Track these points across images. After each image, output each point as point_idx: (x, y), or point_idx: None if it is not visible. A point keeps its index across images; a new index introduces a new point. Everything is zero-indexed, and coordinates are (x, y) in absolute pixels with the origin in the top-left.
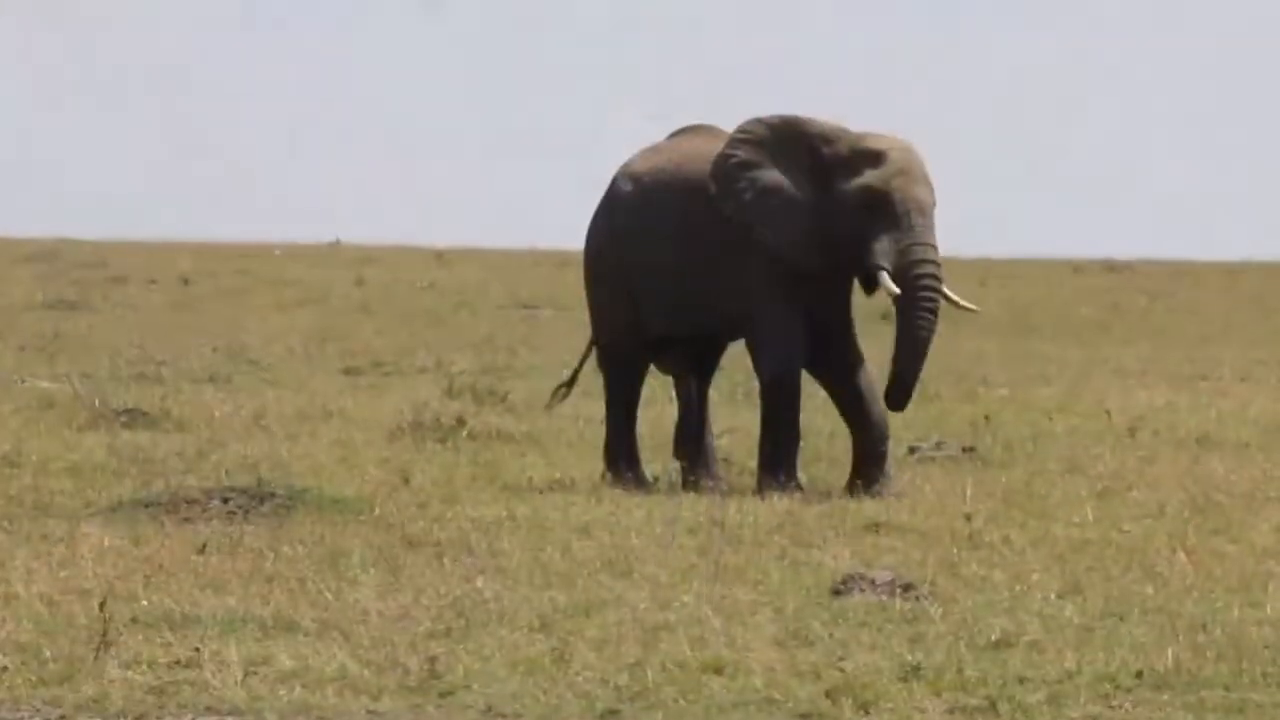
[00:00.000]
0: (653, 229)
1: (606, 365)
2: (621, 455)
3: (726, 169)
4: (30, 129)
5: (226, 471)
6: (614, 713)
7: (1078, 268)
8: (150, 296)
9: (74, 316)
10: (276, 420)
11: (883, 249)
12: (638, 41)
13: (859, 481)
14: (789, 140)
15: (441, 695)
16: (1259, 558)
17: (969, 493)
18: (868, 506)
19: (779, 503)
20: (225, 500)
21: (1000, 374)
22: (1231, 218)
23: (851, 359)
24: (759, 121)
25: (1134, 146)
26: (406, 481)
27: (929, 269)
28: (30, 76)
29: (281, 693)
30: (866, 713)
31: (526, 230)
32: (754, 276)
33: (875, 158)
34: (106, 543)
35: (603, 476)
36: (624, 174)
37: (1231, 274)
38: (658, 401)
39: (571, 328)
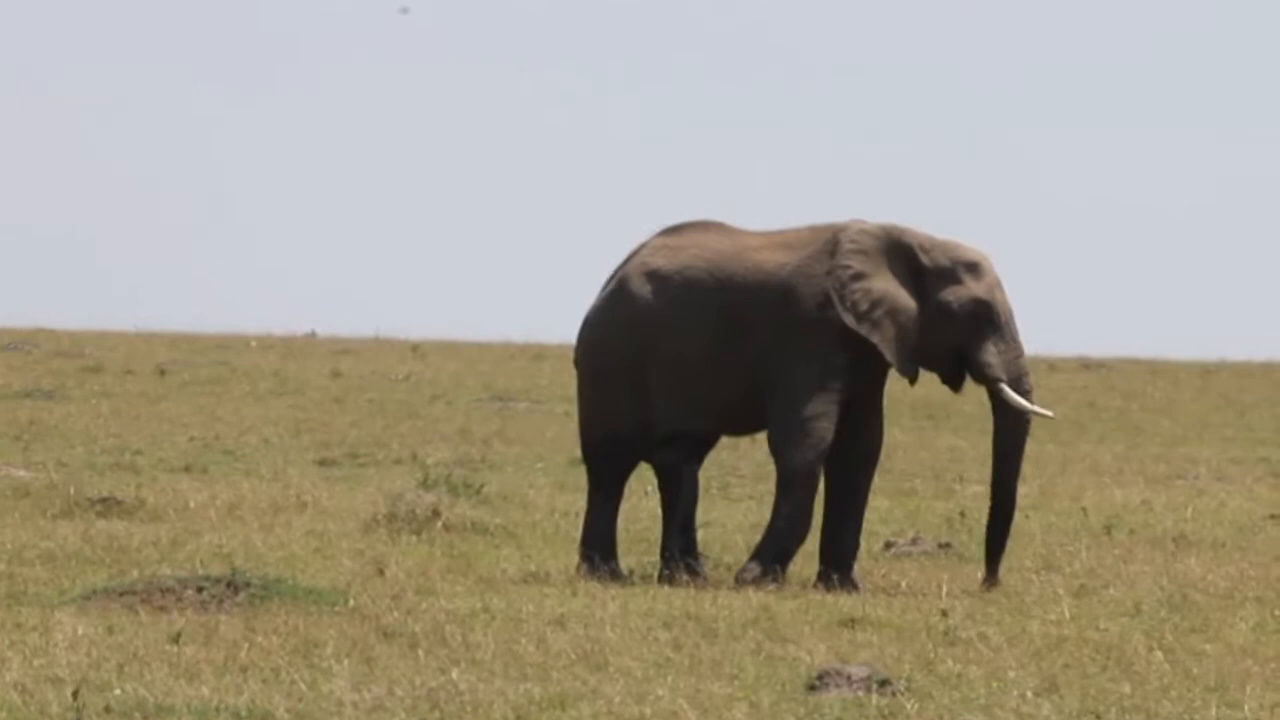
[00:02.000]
0: (684, 327)
1: (598, 458)
2: (598, 547)
3: (843, 280)
4: (7, 217)
5: (201, 561)
6: None
7: (1054, 365)
8: (126, 385)
9: (50, 405)
10: (251, 510)
11: (993, 360)
12: (617, 140)
13: (833, 575)
14: (894, 249)
15: None
16: (1236, 657)
17: (945, 589)
18: (844, 601)
19: (754, 596)
20: (199, 590)
21: (976, 470)
22: (1206, 317)
23: (872, 449)
24: (864, 232)
25: (1110, 245)
26: (381, 573)
27: (1029, 383)
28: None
29: None
30: None
31: (502, 323)
32: (801, 367)
33: (973, 268)
34: (80, 631)
35: (578, 569)
36: (641, 271)
37: (1206, 373)
38: (631, 494)
39: (547, 420)
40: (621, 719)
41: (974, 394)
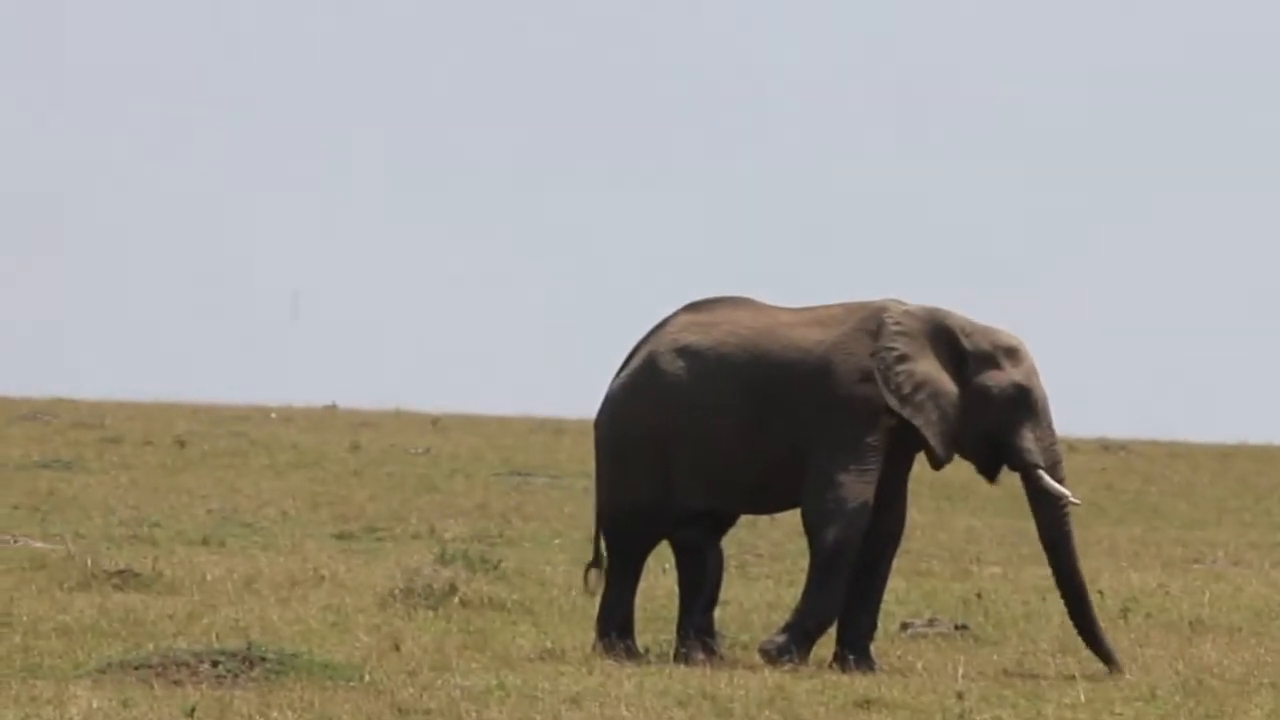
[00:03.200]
0: (717, 405)
1: (619, 536)
2: (615, 625)
3: (888, 362)
4: (27, 287)
5: (217, 635)
6: None
7: (1073, 446)
8: (145, 457)
9: (68, 476)
10: (268, 584)
11: (1031, 445)
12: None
13: (849, 655)
14: (937, 332)
15: None
16: None
17: (960, 671)
18: (859, 682)
19: (770, 676)
20: (215, 664)
21: (993, 552)
22: (1226, 400)
23: (895, 529)
24: (908, 314)
25: (1131, 326)
26: (397, 648)
27: (1064, 469)
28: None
29: None
30: None
31: (522, 398)
32: (839, 446)
33: (1012, 353)
34: (95, 705)
35: (594, 647)
36: (670, 348)
37: (1225, 456)
38: (648, 572)
39: (565, 495)
40: None
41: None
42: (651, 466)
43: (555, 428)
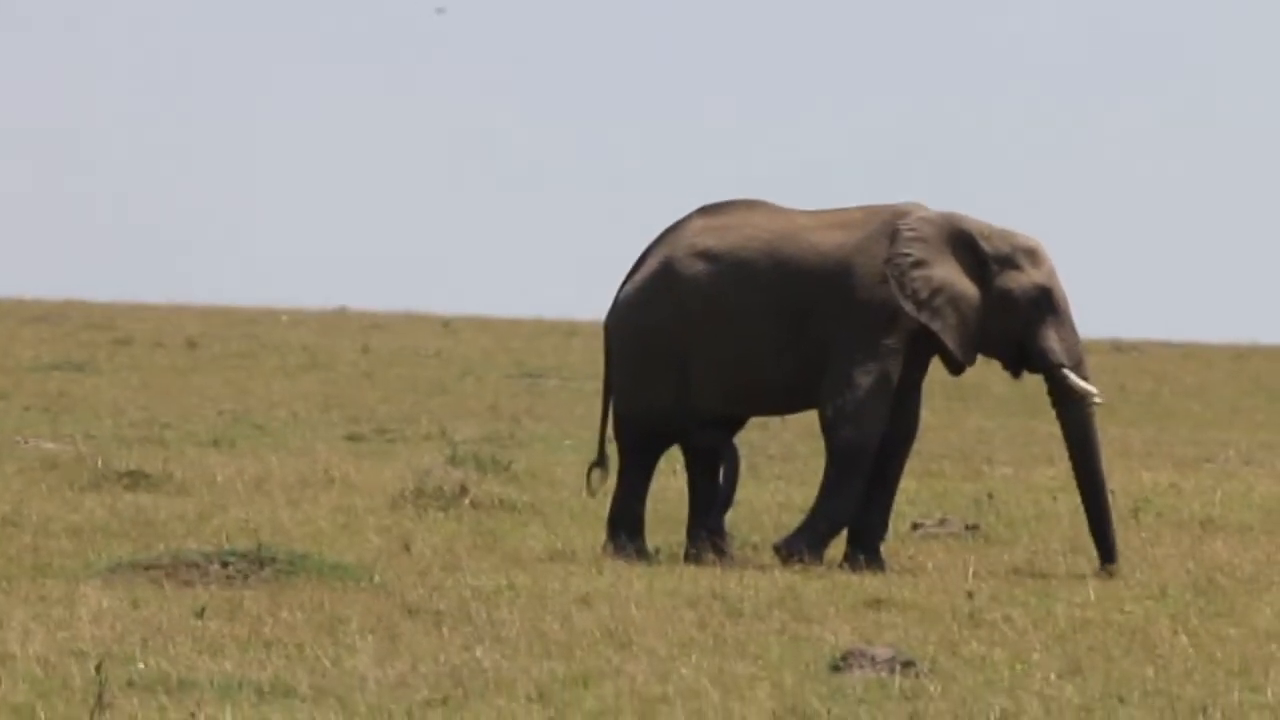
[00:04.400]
0: (738, 309)
1: (631, 438)
2: (625, 526)
3: (903, 268)
4: (40, 191)
5: (227, 536)
6: None
7: (1085, 347)
8: (156, 358)
9: (79, 378)
10: (278, 485)
11: (1055, 345)
12: (646, 116)
13: (859, 556)
14: (954, 237)
15: None
16: (1261, 641)
17: (971, 570)
18: (869, 582)
19: (780, 576)
20: (225, 564)
21: (1004, 453)
22: (1240, 300)
23: (908, 430)
24: (925, 220)
25: (1143, 227)
26: (407, 549)
27: (1088, 367)
28: (41, 138)
29: None
30: None
31: (533, 299)
32: (858, 349)
33: (1032, 254)
34: (105, 604)
35: (604, 547)
36: (688, 252)
37: (1239, 356)
38: (658, 473)
39: (576, 397)
40: (645, 698)
41: (1002, 375)
42: (667, 370)
43: (566, 329)
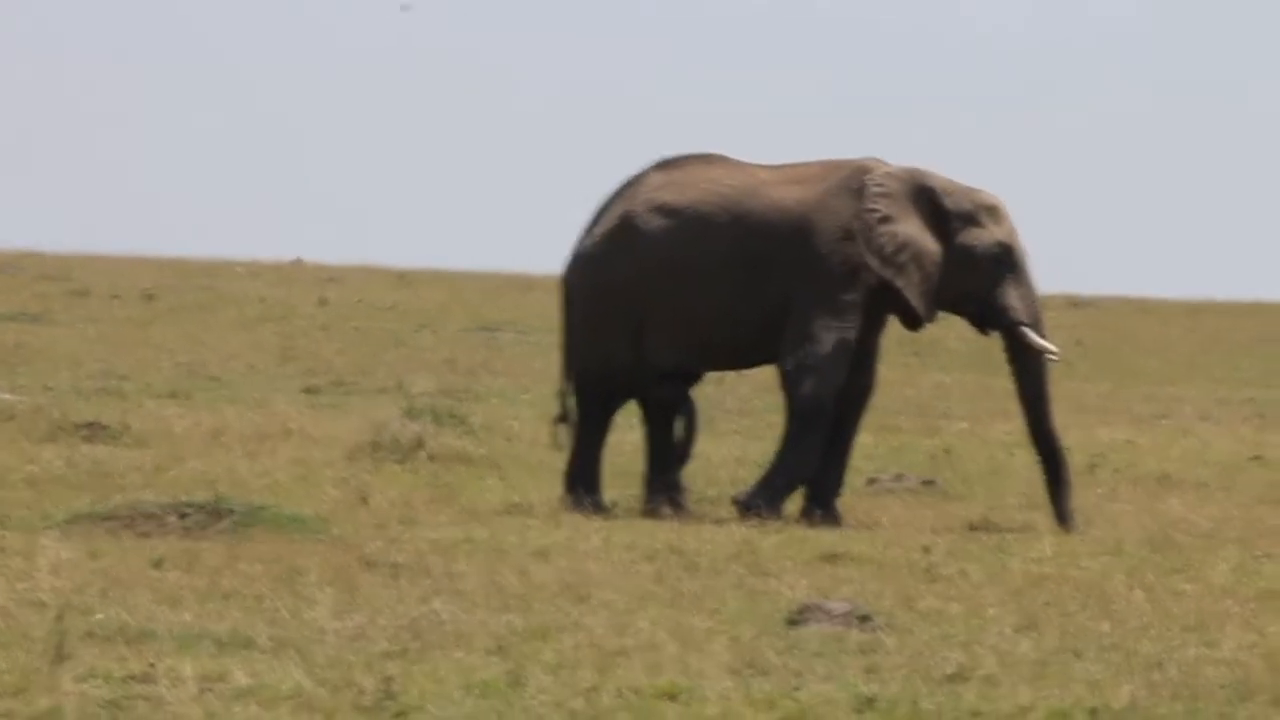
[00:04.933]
0: (697, 264)
1: (590, 393)
2: (582, 480)
3: (870, 224)
4: None
5: (185, 487)
6: None
7: (1042, 303)
8: (113, 310)
9: (36, 329)
10: (236, 437)
11: (1015, 303)
12: (603, 69)
13: (816, 510)
14: (918, 193)
15: (396, 716)
16: (1216, 597)
17: (928, 525)
18: (825, 537)
19: (737, 530)
20: (183, 516)
21: (961, 407)
22: (1196, 256)
23: (865, 386)
24: (890, 175)
25: (1100, 183)
26: (364, 501)
27: (1045, 325)
28: None
29: (236, 710)
30: None
31: (490, 252)
32: (818, 305)
33: (993, 211)
34: (63, 556)
35: (561, 501)
36: (647, 207)
37: (1196, 312)
38: (615, 427)
39: (533, 351)
40: (602, 651)
41: (959, 331)
42: (626, 325)
43: (523, 283)
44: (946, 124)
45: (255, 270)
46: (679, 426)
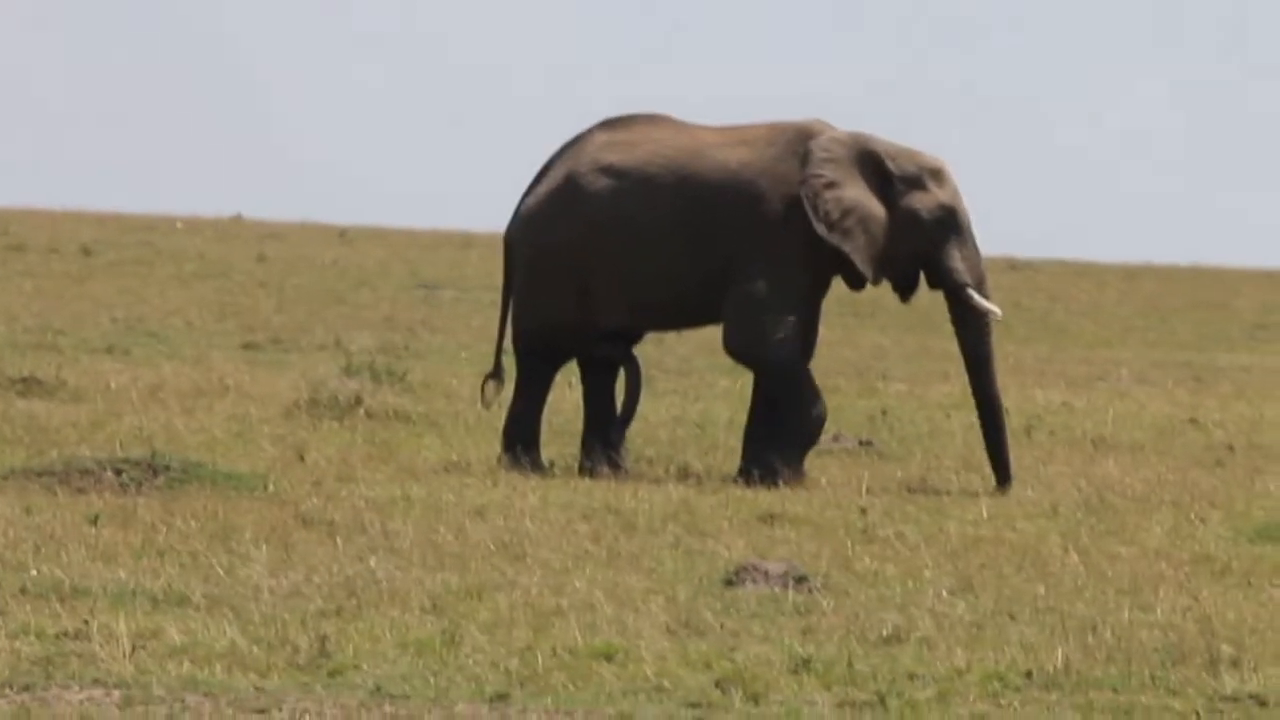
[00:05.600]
0: (642, 226)
1: (528, 351)
2: (521, 439)
3: (816, 189)
4: None
5: (121, 443)
6: (503, 696)
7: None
8: (50, 265)
9: None
10: (173, 393)
11: (959, 265)
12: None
13: (753, 471)
14: (863, 157)
15: (331, 674)
16: (1150, 559)
17: (865, 486)
18: (763, 497)
19: (674, 490)
20: (118, 472)
21: (899, 369)
22: (1134, 220)
23: (806, 347)
24: (835, 140)
25: (1040, 146)
26: (301, 459)
27: (989, 286)
28: None
29: (170, 667)
30: (756, 704)
31: (430, 210)
32: (767, 270)
33: (937, 174)
34: None
35: (499, 460)
36: (592, 167)
37: (1131, 276)
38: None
39: (472, 309)
40: (538, 610)
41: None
42: (569, 285)
43: (463, 241)
44: (884, 87)
45: (195, 226)
46: (628, 384)
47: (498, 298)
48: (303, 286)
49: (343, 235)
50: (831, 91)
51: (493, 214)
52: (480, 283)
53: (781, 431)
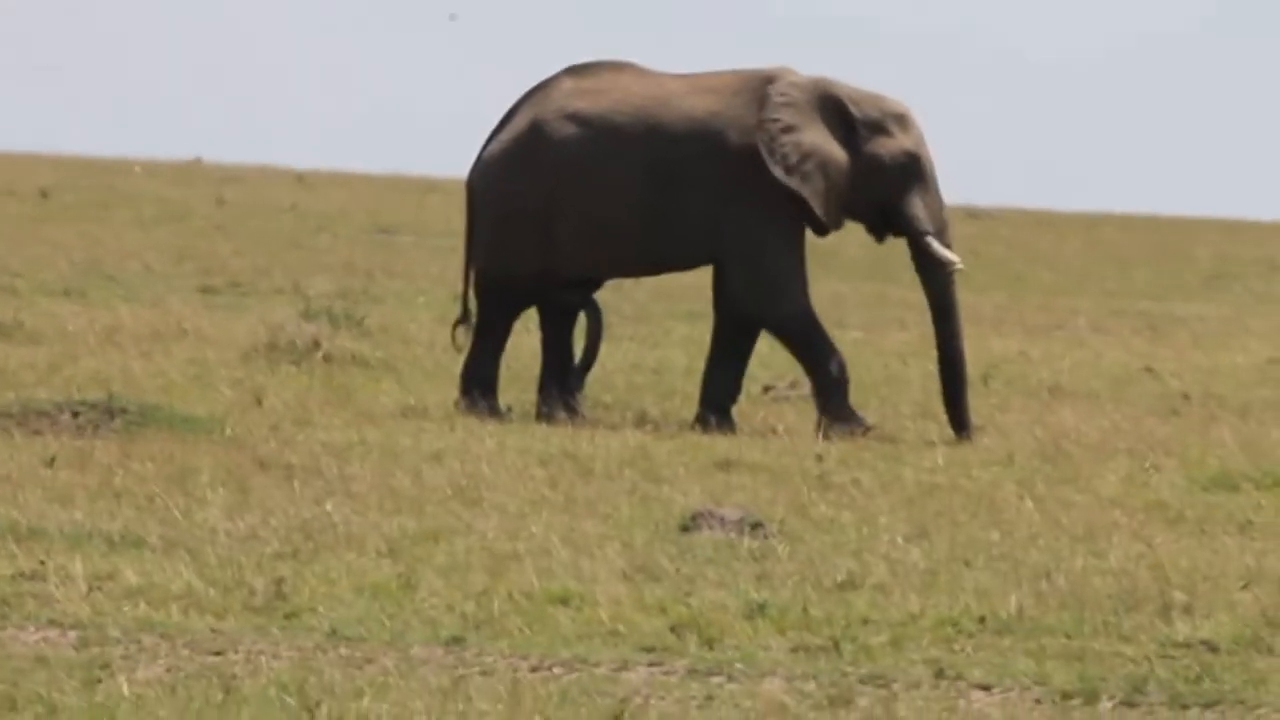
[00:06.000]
0: (609, 175)
1: (491, 297)
2: (478, 384)
3: (773, 133)
4: None
5: (78, 386)
6: (459, 640)
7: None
8: (7, 207)
9: None
10: (130, 337)
11: (920, 213)
12: None
13: (710, 417)
14: (824, 102)
15: (287, 617)
16: (1105, 508)
17: (821, 433)
18: (719, 444)
19: (631, 436)
20: (75, 415)
21: (856, 315)
22: (1093, 169)
23: None
24: (794, 85)
25: (1000, 94)
26: (259, 403)
27: (950, 235)
28: None
29: (126, 609)
30: (711, 649)
31: (389, 155)
32: (755, 225)
33: (901, 120)
34: None
35: (456, 404)
36: (557, 115)
37: (1091, 225)
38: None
39: (431, 255)
40: (495, 555)
41: (857, 238)
42: (532, 232)
43: (423, 186)
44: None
45: (153, 169)
46: (589, 331)
47: (457, 243)
48: (261, 230)
49: (302, 179)
50: (788, 34)
51: (452, 159)
52: (439, 228)
53: (817, 391)
